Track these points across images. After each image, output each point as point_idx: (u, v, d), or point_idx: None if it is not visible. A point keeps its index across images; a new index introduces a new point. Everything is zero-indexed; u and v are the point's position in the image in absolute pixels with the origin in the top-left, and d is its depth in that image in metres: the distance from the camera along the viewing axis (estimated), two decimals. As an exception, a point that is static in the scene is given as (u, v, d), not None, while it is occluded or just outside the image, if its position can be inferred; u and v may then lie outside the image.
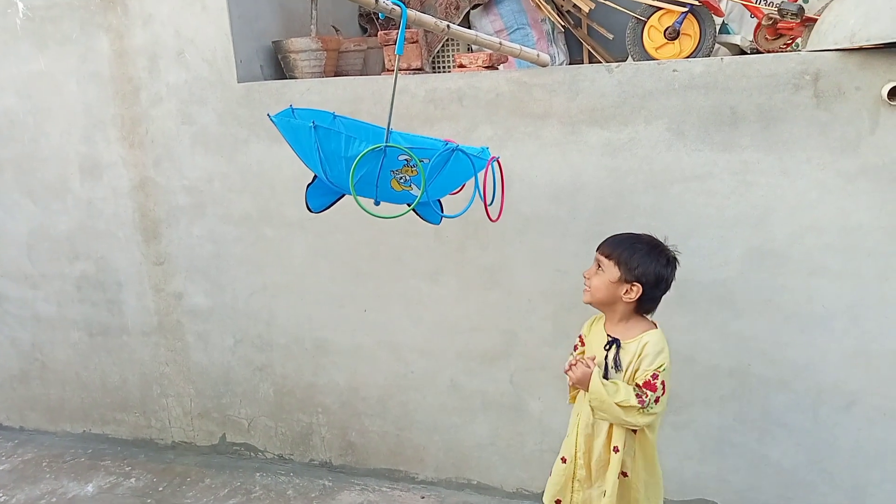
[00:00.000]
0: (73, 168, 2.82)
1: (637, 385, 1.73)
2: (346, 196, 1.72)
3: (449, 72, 2.63)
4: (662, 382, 1.72)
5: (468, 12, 3.54)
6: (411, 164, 1.48)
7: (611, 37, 3.42)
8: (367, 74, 2.93)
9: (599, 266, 1.81)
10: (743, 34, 3.00)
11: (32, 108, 2.82)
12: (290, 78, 2.65)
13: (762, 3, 2.44)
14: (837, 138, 1.99)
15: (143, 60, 2.62)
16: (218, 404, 2.94)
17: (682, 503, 2.42)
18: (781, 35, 2.51)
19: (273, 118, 1.69)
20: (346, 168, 1.47)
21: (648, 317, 1.86)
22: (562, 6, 3.40)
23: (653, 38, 2.53)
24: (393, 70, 1.93)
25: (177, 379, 2.96)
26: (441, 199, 1.87)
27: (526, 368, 2.49)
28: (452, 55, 3.59)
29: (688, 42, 2.50)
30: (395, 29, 2.45)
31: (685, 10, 2.41)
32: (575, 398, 1.99)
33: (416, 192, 1.56)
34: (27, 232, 2.98)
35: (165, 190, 2.73)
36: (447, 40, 3.55)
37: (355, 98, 2.42)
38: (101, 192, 2.82)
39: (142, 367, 3.00)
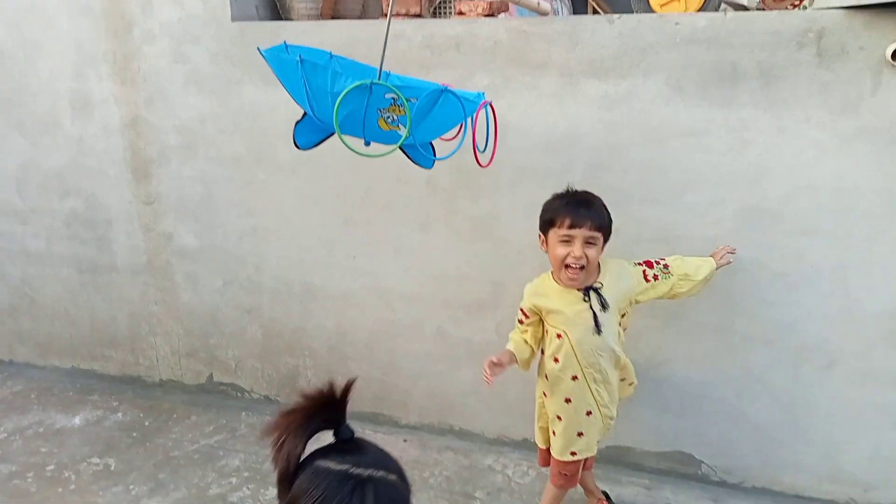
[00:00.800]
0: (64, 104, 2.77)
1: (644, 274, 1.93)
2: (335, 136, 1.70)
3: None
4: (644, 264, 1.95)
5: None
6: (398, 102, 1.45)
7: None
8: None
9: (591, 242, 1.82)
10: (751, -7, 2.93)
11: (23, 42, 2.76)
12: (286, 20, 2.59)
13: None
14: (838, 98, 1.96)
15: (135, -5, 2.55)
16: (206, 344, 2.96)
17: (659, 454, 2.47)
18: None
19: (263, 52, 1.65)
20: (332, 104, 1.44)
21: None
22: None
23: (659, -3, 2.47)
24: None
25: (165, 318, 2.98)
26: (433, 144, 1.84)
27: (512, 319, 2.47)
28: (453, 3, 3.50)
29: (693, 2, 2.45)
30: (394, -32, 2.37)
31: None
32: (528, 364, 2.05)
33: (404, 132, 1.53)
34: (16, 167, 2.95)
35: (157, 129, 2.70)
36: (448, -13, 3.46)
37: (351, 41, 2.36)
38: (92, 129, 2.78)
39: (131, 305, 3.01)
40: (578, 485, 2.17)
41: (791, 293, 2.16)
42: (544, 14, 2.30)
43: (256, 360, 2.92)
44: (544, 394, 2.03)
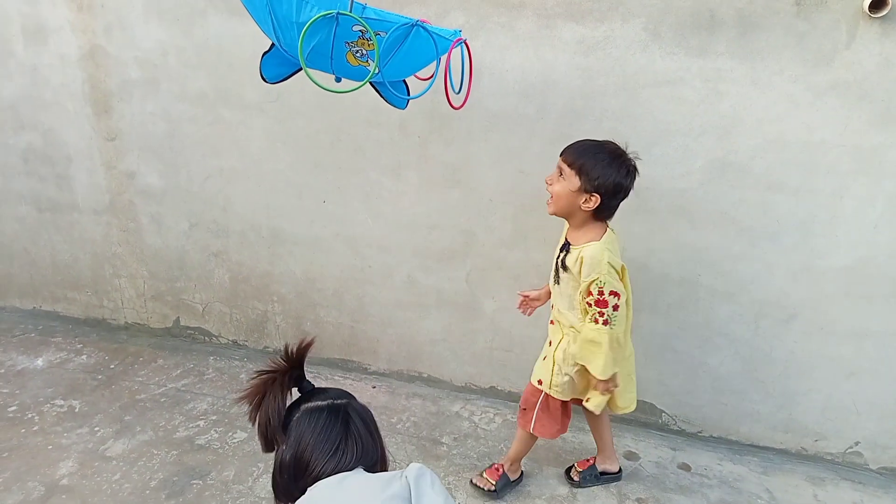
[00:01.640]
0: (15, 29, 2.63)
1: (588, 304, 1.81)
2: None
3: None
4: (611, 292, 1.79)
5: None
6: (367, 36, 1.40)
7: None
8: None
9: (561, 173, 1.80)
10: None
11: (-32, -41, 2.59)
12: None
13: None
14: (813, 50, 1.94)
15: (90, -88, 2.41)
16: (172, 288, 2.92)
17: (620, 403, 2.53)
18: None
19: (226, -23, 1.56)
20: (298, 35, 1.38)
21: (608, 222, 1.88)
22: None
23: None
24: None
25: (129, 260, 2.92)
26: (407, 83, 1.79)
27: (482, 268, 2.50)
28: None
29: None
30: None
31: None
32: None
33: (373, 68, 1.48)
34: (-34, 97, 2.81)
35: (117, 61, 2.58)
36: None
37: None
38: (47, 59, 2.65)
39: (93, 246, 2.94)
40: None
41: (755, 247, 2.19)
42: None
43: (224, 304, 2.89)
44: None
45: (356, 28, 1.41)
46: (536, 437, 2.11)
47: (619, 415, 2.17)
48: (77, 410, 2.48)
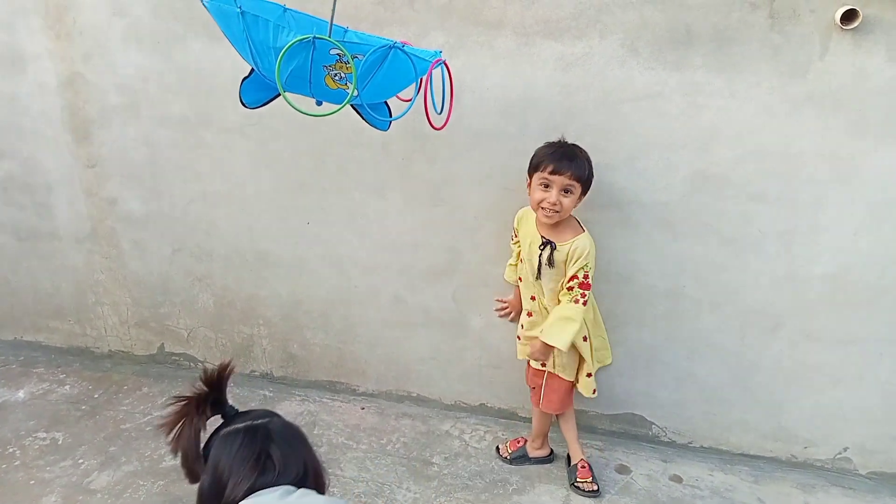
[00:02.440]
0: (-7, 58, 2.61)
1: (570, 288, 2.03)
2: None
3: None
4: (590, 275, 2.05)
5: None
6: (345, 59, 1.40)
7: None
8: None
9: (569, 191, 1.97)
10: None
11: (-57, -10, 2.57)
12: (232, -29, 2.47)
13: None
14: (788, 62, 1.97)
15: (67, -60, 2.40)
16: (156, 314, 2.88)
17: (611, 416, 2.52)
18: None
19: (205, 2, 1.56)
20: (276, 60, 1.38)
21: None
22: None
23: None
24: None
25: (112, 287, 2.88)
26: (389, 105, 1.79)
27: (468, 285, 2.50)
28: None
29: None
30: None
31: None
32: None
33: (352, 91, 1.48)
34: (-56, 127, 2.78)
35: (96, 87, 2.56)
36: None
37: (301, -5, 2.27)
38: (26, 87, 2.63)
39: (75, 273, 2.90)
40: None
41: (739, 257, 2.20)
42: None
43: (209, 329, 2.86)
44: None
45: (334, 52, 1.41)
46: (552, 414, 2.31)
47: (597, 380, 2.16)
48: (60, 443, 2.43)
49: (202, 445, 1.12)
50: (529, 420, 2.60)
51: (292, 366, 2.82)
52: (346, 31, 1.60)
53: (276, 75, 1.36)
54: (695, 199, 2.17)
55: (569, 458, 2.34)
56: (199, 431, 1.10)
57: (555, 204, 1.95)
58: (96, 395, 2.75)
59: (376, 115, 1.71)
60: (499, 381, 2.60)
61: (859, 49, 1.92)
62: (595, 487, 2.19)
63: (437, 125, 1.78)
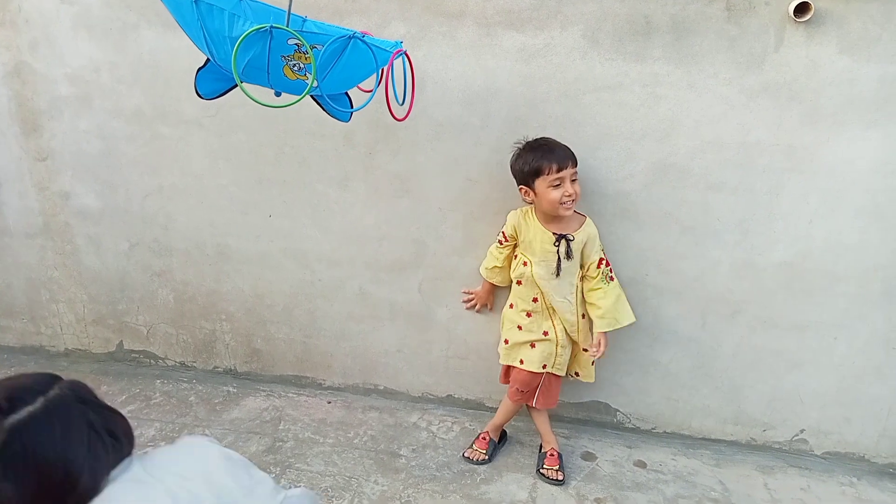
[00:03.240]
0: (-67, 47, 2.49)
1: (599, 268, 2.16)
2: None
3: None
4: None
5: None
6: (303, 49, 1.37)
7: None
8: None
9: (575, 178, 2.04)
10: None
11: None
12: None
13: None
14: (744, 54, 2.00)
15: (10, -77, 2.30)
16: (114, 311, 2.81)
17: (576, 405, 2.55)
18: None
19: (155, -8, 1.51)
20: (232, 49, 1.34)
21: None
22: None
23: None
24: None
25: (67, 284, 2.80)
26: (350, 96, 1.76)
27: (434, 277, 2.49)
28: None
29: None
30: None
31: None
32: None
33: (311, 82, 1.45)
34: None
35: (45, 78, 2.47)
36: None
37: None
38: (-31, 77, 2.52)
39: (27, 270, 2.80)
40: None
41: (699, 245, 2.24)
42: None
43: (170, 325, 2.79)
44: (511, 305, 2.29)
45: (292, 42, 1.38)
46: (521, 406, 2.34)
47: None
48: (15, 445, 2.35)
49: None
50: (496, 410, 2.62)
51: (256, 361, 2.78)
52: (304, 20, 1.57)
53: (233, 66, 1.33)
54: (656, 188, 2.19)
55: (541, 446, 2.36)
56: None
57: (572, 194, 2.02)
58: (52, 396, 2.66)
59: (337, 106, 1.68)
60: (466, 373, 2.60)
61: (812, 41, 1.96)
62: (560, 477, 2.21)
63: (399, 116, 1.76)
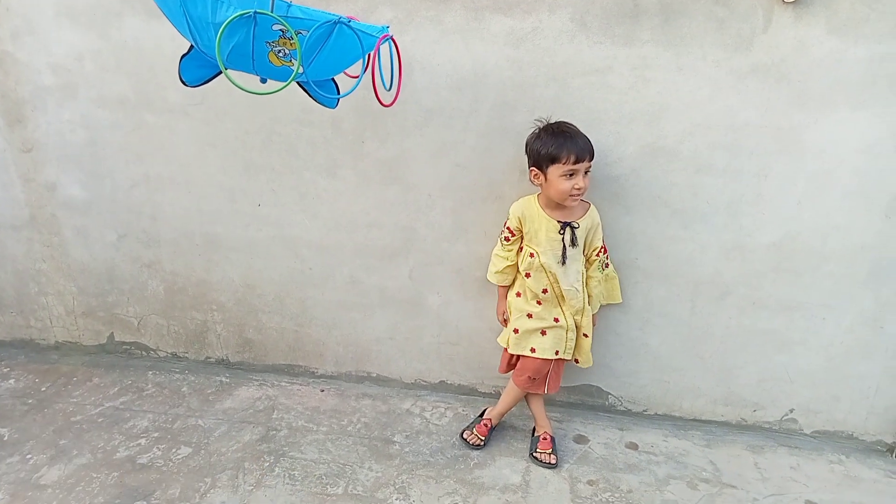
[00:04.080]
0: (-89, 37, 2.44)
1: (598, 255, 2.19)
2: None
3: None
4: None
5: None
6: (288, 35, 1.35)
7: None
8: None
9: (588, 171, 2.02)
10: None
11: None
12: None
13: None
14: (732, 35, 2.00)
15: None
16: (103, 302, 2.79)
17: (568, 388, 2.57)
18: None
19: (136, -22, 1.49)
20: (216, 36, 1.32)
21: None
22: None
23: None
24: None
25: (56, 276, 2.78)
26: (337, 82, 1.75)
27: (425, 264, 2.49)
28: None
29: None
30: None
31: None
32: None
33: (297, 68, 1.43)
34: None
35: (28, 67, 2.43)
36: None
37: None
38: (-50, 68, 2.48)
39: (14, 263, 2.78)
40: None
41: (688, 229, 2.25)
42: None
43: (160, 316, 2.78)
44: (517, 294, 2.25)
45: (276, 27, 1.36)
46: (525, 392, 2.33)
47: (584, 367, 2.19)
48: (6, 439, 2.34)
49: None
50: (490, 395, 2.63)
51: (248, 350, 2.77)
52: (289, 5, 1.54)
53: (217, 52, 1.31)
54: (645, 172, 2.19)
55: (534, 429, 2.38)
56: None
57: (581, 188, 2.00)
58: (44, 388, 2.66)
59: (323, 92, 1.67)
60: (458, 358, 2.61)
61: (800, 22, 1.96)
62: (553, 460, 2.23)
63: (386, 102, 1.75)
